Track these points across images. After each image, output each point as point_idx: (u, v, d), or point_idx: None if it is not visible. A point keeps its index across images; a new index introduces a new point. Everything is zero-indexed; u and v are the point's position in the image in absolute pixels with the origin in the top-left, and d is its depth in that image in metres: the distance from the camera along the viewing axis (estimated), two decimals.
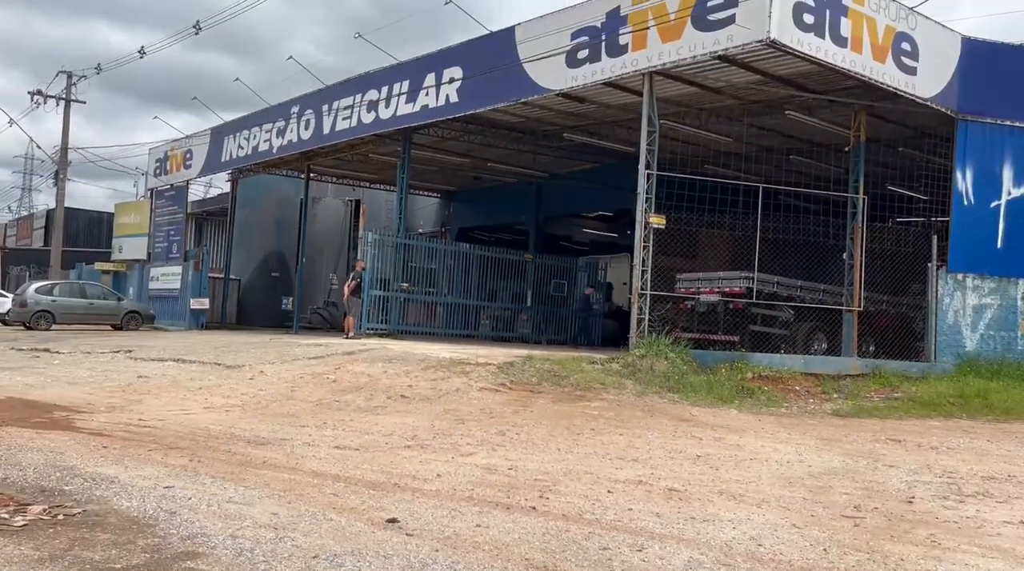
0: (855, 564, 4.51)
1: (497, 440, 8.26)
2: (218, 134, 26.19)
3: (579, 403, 10.75)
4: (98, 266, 31.98)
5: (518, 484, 6.22)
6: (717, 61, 13.71)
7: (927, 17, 14.35)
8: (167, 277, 27.61)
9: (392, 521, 4.96)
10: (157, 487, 5.56)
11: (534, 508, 5.47)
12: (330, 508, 5.24)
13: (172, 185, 28.64)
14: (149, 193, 30.63)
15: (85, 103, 33.52)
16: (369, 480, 6.16)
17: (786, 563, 4.48)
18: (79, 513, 4.81)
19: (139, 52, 28.58)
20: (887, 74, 13.72)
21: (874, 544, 4.93)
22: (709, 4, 12.89)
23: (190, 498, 5.30)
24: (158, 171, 29.44)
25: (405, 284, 19.94)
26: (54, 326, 23.57)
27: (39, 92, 32.40)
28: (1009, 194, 15.09)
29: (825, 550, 4.76)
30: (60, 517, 4.70)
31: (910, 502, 6.19)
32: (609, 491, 6.10)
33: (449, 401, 10.48)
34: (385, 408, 10.11)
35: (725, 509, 5.69)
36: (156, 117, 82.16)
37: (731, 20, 12.62)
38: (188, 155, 27.59)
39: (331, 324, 25.80)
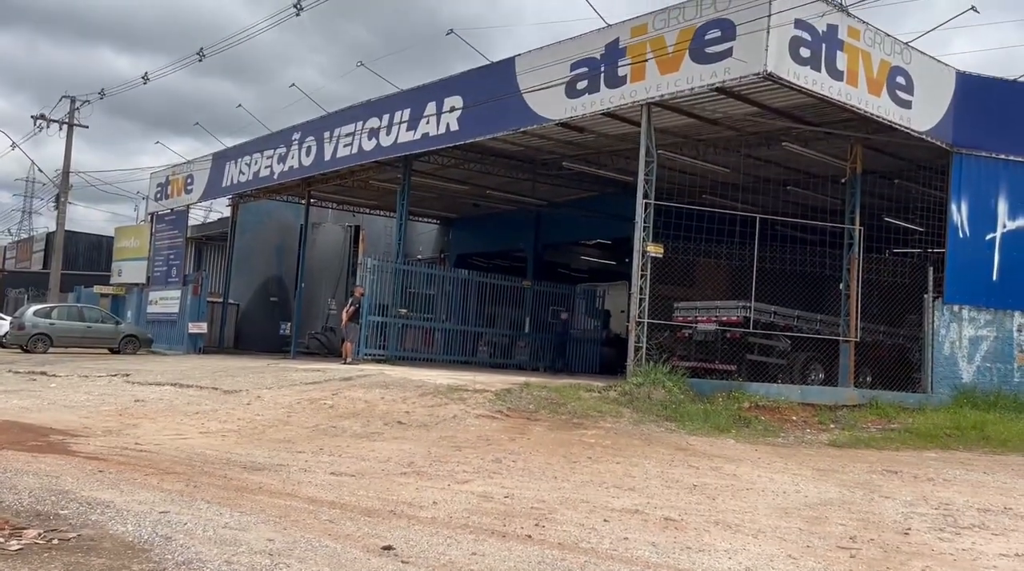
0: None
1: (494, 467, 8.25)
2: (219, 159, 26.36)
3: (576, 431, 10.74)
4: (97, 289, 31.97)
5: (514, 512, 6.22)
6: (715, 93, 13.88)
7: (922, 52, 14.55)
8: (166, 301, 27.60)
9: (387, 548, 4.96)
10: (153, 512, 5.55)
11: (530, 536, 5.47)
12: (325, 534, 5.24)
13: (172, 209, 28.75)
14: (149, 217, 30.74)
15: (88, 127, 33.96)
16: (365, 507, 6.16)
17: None
18: (74, 538, 4.81)
19: (143, 78, 28.82)
20: (882, 107, 13.88)
21: None
22: (707, 37, 13.08)
23: (186, 523, 5.30)
24: (159, 195, 29.56)
25: (403, 310, 19.98)
26: (51, 349, 23.54)
27: (42, 116, 32.60)
28: (1004, 227, 15.20)
29: None
30: (55, 542, 4.70)
31: (906, 533, 6.19)
32: (605, 520, 6.09)
33: (446, 428, 10.48)
34: (382, 434, 10.09)
35: (721, 539, 5.69)
36: (158, 142, 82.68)
37: (728, 53, 12.79)
38: (189, 180, 27.73)
39: (329, 349, 25.78)
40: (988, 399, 14.27)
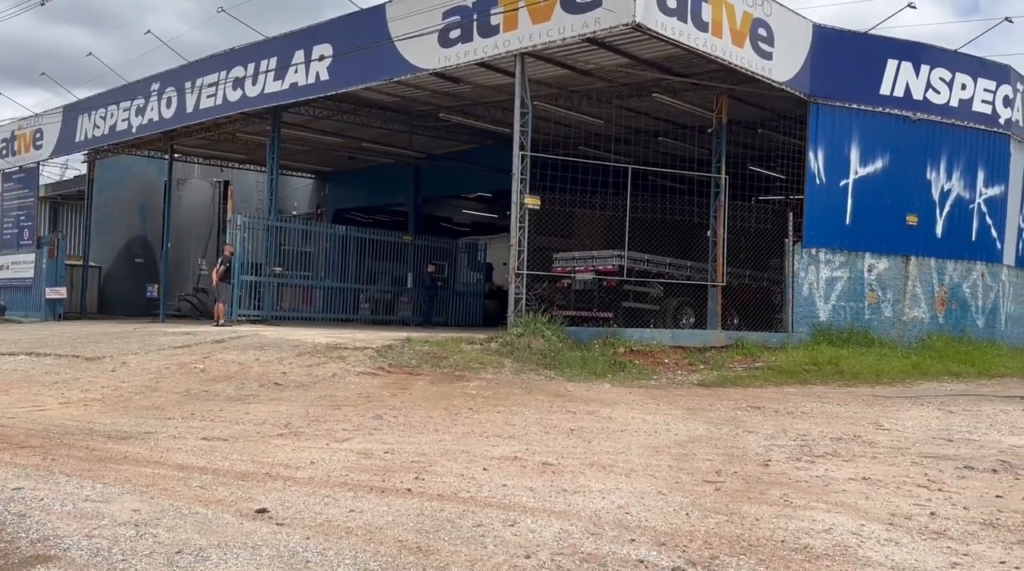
0: (715, 526, 4.74)
1: (374, 424, 8.20)
2: (71, 112, 24.56)
3: (458, 383, 10.80)
4: None
5: (394, 467, 6.20)
6: (586, 44, 13.96)
7: (781, 4, 15.07)
8: (18, 265, 25.82)
9: (262, 511, 4.85)
10: (4, 489, 5.22)
11: (409, 490, 5.48)
12: (196, 501, 5.07)
13: (21, 167, 26.70)
14: None
15: None
16: (238, 471, 6.00)
17: (651, 529, 4.67)
18: None
19: None
20: (745, 58, 14.35)
21: (733, 506, 5.21)
22: None
23: (42, 499, 5.01)
24: (4, 152, 27.36)
25: (278, 268, 19.40)
26: None
27: None
28: (856, 173, 16.13)
29: (687, 514, 5.00)
30: None
31: (766, 465, 6.57)
32: (485, 469, 6.17)
33: (325, 387, 10.31)
34: (257, 396, 9.84)
35: (596, 480, 5.87)
36: (0, 94, 75.85)
37: (598, 3, 12.86)
38: (38, 134, 25.75)
39: (201, 311, 24.82)
40: (842, 336, 15.29)
